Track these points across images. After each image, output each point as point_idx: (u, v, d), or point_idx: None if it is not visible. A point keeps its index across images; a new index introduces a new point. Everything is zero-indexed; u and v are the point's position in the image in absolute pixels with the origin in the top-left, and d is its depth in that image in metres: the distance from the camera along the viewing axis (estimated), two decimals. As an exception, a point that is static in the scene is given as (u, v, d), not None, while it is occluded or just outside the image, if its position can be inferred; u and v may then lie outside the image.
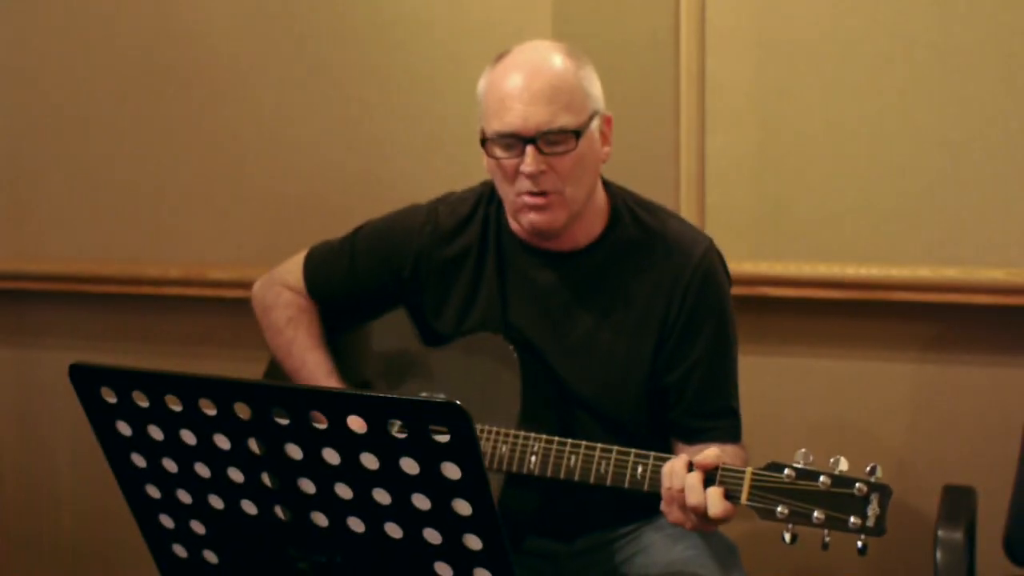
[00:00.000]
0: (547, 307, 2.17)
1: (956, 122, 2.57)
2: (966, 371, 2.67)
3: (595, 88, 2.10)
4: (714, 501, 1.81)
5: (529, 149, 2.03)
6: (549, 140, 2.03)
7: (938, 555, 2.24)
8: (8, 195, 3.37)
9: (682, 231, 2.19)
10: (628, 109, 2.76)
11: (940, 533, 2.27)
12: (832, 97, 2.64)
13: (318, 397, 1.67)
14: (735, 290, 2.64)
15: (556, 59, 2.07)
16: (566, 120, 2.03)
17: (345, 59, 3.01)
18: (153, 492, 1.82)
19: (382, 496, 1.65)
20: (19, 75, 3.31)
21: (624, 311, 2.14)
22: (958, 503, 2.41)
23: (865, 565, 2.74)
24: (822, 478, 1.76)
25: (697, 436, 2.11)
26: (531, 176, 2.03)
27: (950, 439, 2.69)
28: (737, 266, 2.71)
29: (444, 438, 1.57)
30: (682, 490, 1.83)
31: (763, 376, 2.77)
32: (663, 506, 1.88)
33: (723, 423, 2.13)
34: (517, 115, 2.03)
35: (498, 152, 2.06)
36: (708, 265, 2.15)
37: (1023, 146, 2.54)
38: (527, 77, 2.04)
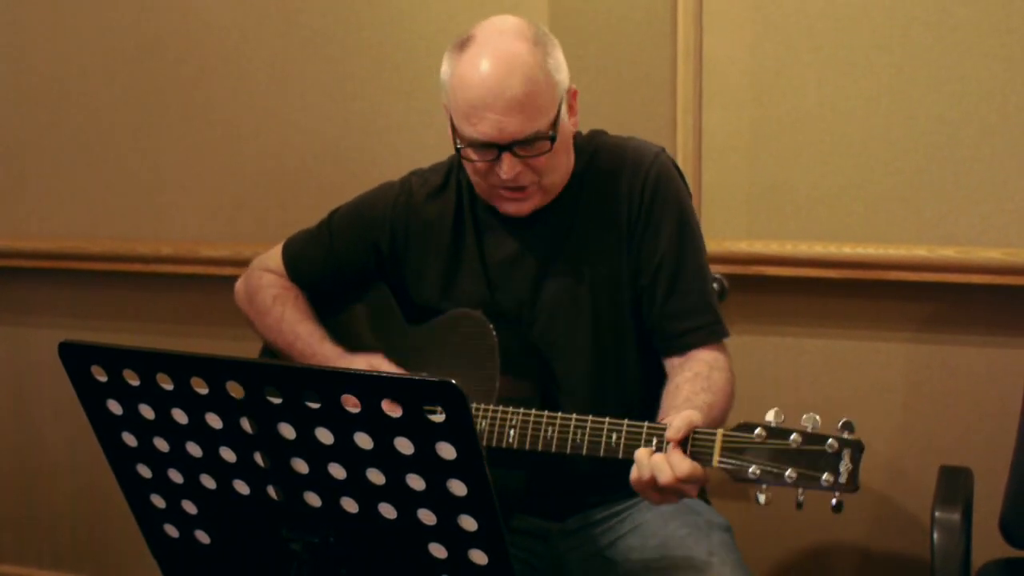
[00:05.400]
0: (529, 262, 2.16)
1: (953, 100, 2.56)
2: (962, 351, 2.66)
3: (561, 70, 2.05)
4: (678, 463, 1.79)
5: (505, 156, 2.01)
6: (524, 145, 2.01)
7: (935, 536, 2.24)
8: (-2, 172, 3.36)
9: (634, 145, 2.18)
10: (625, 87, 2.76)
11: (937, 514, 2.27)
12: (829, 75, 2.63)
13: (311, 376, 1.66)
14: (730, 269, 2.65)
15: (525, 54, 1.99)
16: (540, 124, 2.01)
17: (338, 34, 2.98)
18: (144, 471, 1.81)
19: (376, 476, 1.64)
20: (7, 51, 3.29)
21: (598, 238, 2.14)
22: (954, 484, 2.40)
23: (861, 546, 2.74)
24: (793, 436, 1.76)
25: (679, 342, 2.10)
26: (508, 179, 2.03)
27: (946, 420, 2.68)
28: (733, 245, 2.71)
29: (439, 418, 1.55)
30: (652, 479, 1.81)
31: (758, 355, 2.76)
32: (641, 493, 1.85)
33: (701, 320, 2.11)
34: (491, 125, 1.99)
35: (472, 156, 2.04)
36: (660, 166, 2.14)
37: (1021, 125, 2.53)
38: (498, 81, 1.97)
